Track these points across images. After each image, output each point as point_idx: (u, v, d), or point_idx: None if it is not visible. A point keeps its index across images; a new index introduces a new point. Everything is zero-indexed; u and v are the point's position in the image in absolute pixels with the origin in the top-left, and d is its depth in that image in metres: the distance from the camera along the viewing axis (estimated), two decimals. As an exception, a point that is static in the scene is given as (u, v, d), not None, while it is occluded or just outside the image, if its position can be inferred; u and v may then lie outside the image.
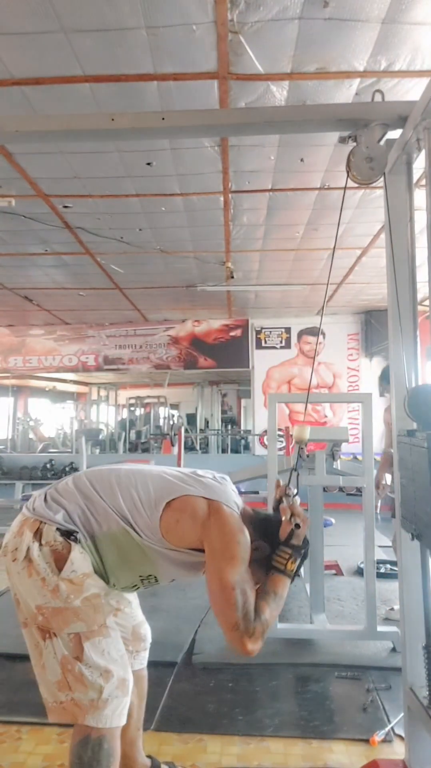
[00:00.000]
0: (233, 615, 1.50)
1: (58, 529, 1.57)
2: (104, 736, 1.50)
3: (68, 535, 1.57)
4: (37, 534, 1.57)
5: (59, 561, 1.54)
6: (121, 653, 1.59)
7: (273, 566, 1.63)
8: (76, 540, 1.58)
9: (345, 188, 2.03)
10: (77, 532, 1.58)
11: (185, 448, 7.55)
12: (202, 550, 1.59)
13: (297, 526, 1.64)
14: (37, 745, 2.24)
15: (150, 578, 1.71)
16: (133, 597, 1.92)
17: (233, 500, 1.65)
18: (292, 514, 1.66)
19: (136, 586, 1.74)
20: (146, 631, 1.93)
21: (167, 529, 1.60)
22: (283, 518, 1.68)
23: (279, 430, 7.37)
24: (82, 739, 1.50)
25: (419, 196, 2.03)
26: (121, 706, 1.54)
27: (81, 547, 1.58)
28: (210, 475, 1.73)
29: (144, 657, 1.93)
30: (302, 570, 4.23)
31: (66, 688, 1.50)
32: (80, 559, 1.57)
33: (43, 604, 1.53)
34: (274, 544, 1.66)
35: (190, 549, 1.62)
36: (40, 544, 1.56)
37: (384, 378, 3.97)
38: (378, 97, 1.99)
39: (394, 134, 1.96)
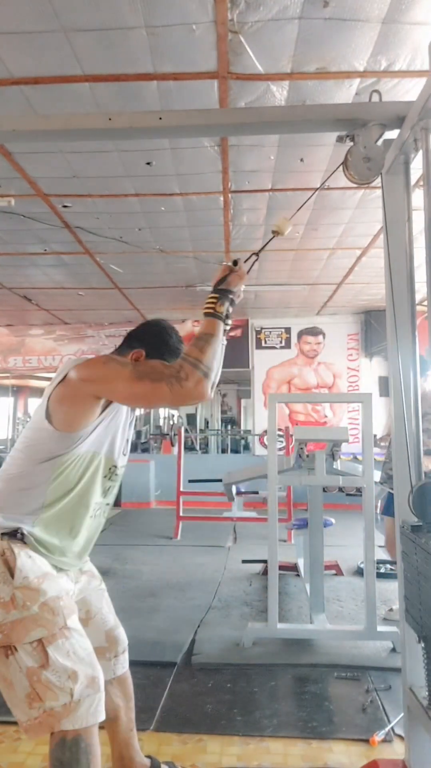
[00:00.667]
0: (159, 386, 1.55)
1: (3, 534, 1.57)
2: (80, 735, 1.48)
3: (13, 535, 1.57)
4: None
5: (11, 570, 1.53)
6: (87, 651, 1.56)
7: (204, 313, 1.70)
8: (22, 539, 1.57)
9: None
10: (20, 528, 1.57)
11: (185, 448, 7.55)
12: (101, 401, 1.67)
13: (234, 266, 1.77)
14: (36, 745, 2.23)
15: (111, 470, 1.76)
16: (104, 602, 1.90)
17: (78, 359, 1.73)
18: (232, 263, 1.78)
19: (110, 487, 1.78)
20: (120, 633, 1.91)
21: (67, 424, 1.63)
22: (223, 265, 1.80)
23: (279, 430, 7.37)
24: (58, 742, 1.48)
25: (417, 196, 2.03)
26: (94, 703, 1.52)
27: (29, 547, 1.57)
28: None
29: (124, 660, 1.91)
30: (302, 570, 4.24)
31: (37, 700, 1.47)
32: (29, 564, 1.55)
33: (1, 621, 1.50)
34: (151, 347, 1.79)
35: (96, 410, 1.66)
36: None
37: None
38: (375, 97, 1.99)
39: (392, 134, 1.96)
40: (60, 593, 1.57)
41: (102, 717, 1.55)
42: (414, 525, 1.71)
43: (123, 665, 1.91)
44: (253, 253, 1.90)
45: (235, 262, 1.80)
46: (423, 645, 1.72)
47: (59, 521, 1.65)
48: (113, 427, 1.73)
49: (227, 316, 1.72)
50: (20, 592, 1.51)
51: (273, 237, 1.98)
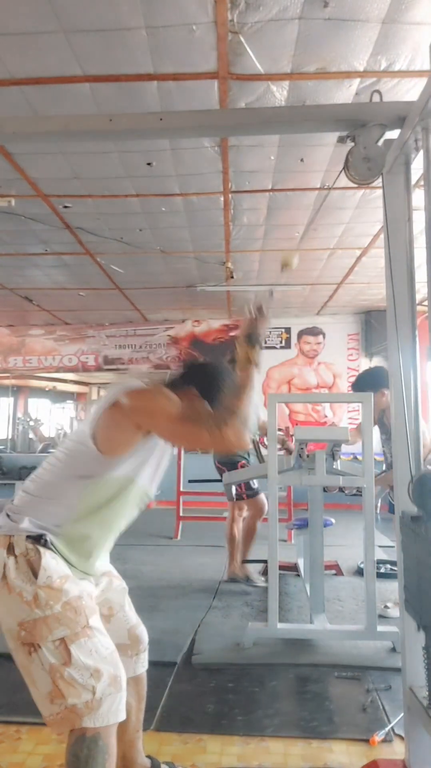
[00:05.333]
0: (200, 431, 1.61)
1: (28, 536, 1.59)
2: (99, 734, 1.50)
3: (38, 539, 1.59)
4: (10, 548, 1.58)
5: (35, 570, 1.55)
6: (110, 650, 1.58)
7: (242, 365, 1.75)
8: (45, 544, 1.59)
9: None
10: (45, 535, 1.60)
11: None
12: (145, 434, 1.68)
13: (260, 315, 1.82)
14: (36, 745, 2.23)
15: (143, 495, 1.79)
16: (126, 600, 1.92)
17: (131, 384, 1.75)
18: (257, 310, 1.84)
19: (135, 514, 1.82)
20: (142, 631, 1.93)
21: (110, 449, 1.65)
22: (248, 314, 1.85)
23: (280, 430, 7.37)
24: (77, 738, 1.50)
25: (417, 196, 2.03)
26: (116, 702, 1.53)
27: (52, 551, 1.60)
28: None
29: (144, 659, 1.93)
30: (302, 570, 4.24)
31: (59, 697, 1.49)
32: (53, 564, 1.57)
33: (25, 618, 1.53)
34: (201, 386, 1.81)
35: (139, 440, 1.68)
36: (15, 557, 1.56)
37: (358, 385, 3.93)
38: (376, 98, 1.99)
39: (392, 134, 1.96)
40: (81, 593, 1.60)
41: (122, 717, 1.57)
42: (414, 515, 1.71)
43: (143, 664, 1.92)
44: (269, 292, 1.95)
45: (260, 309, 1.85)
46: (423, 634, 1.72)
47: (81, 540, 1.67)
48: (151, 455, 1.76)
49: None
50: (43, 592, 1.53)
51: (284, 271, 2.02)
